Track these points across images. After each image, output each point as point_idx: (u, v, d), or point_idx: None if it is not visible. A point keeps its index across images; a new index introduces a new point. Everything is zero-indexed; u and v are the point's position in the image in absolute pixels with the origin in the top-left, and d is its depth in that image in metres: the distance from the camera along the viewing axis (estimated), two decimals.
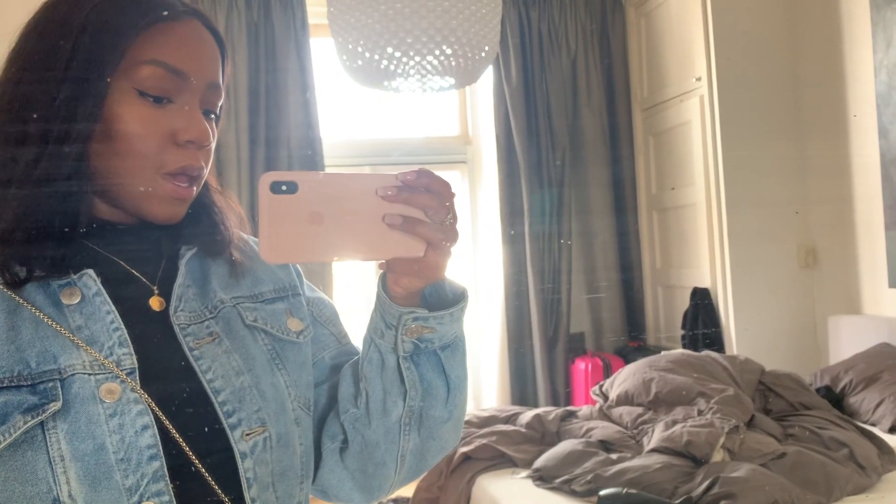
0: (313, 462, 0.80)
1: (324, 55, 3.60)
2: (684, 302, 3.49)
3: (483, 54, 2.06)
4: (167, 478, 0.65)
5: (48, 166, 0.67)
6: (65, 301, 0.68)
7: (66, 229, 0.68)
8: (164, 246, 0.77)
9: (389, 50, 2.02)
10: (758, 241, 3.27)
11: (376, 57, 2.03)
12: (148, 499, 0.64)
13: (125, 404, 0.66)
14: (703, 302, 3.35)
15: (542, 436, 2.42)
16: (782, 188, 3.30)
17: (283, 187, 0.64)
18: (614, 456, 2.15)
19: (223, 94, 0.77)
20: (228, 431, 0.70)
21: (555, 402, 3.70)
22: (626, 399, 2.51)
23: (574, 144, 3.84)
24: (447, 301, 0.76)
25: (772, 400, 2.53)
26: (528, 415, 2.53)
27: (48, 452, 0.63)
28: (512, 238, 3.77)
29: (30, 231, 0.67)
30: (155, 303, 0.73)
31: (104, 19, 0.68)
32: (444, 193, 0.68)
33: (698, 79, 3.32)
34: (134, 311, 0.71)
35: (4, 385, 0.63)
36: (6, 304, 0.67)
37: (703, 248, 3.41)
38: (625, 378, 2.62)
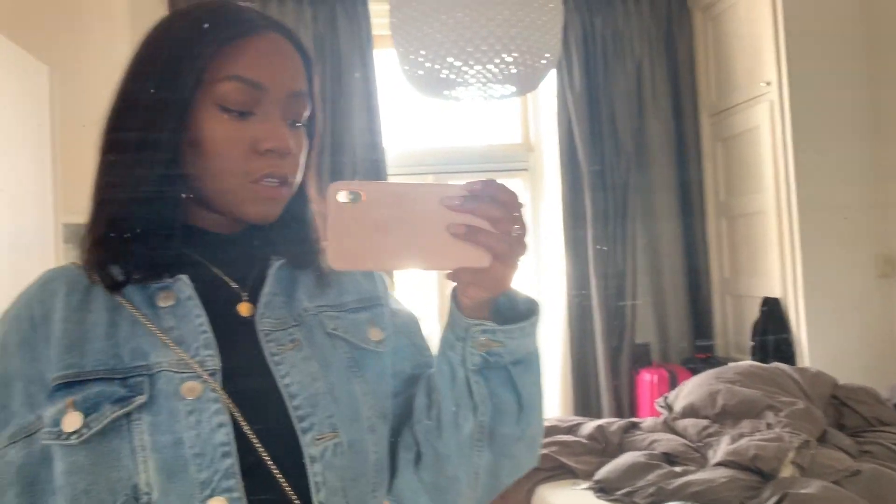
0: (388, 471, 0.81)
1: (387, 65, 3.64)
2: (754, 312, 3.39)
3: (543, 62, 2.06)
4: (238, 475, 0.68)
5: (144, 178, 0.73)
6: (160, 303, 0.74)
7: (164, 236, 0.74)
8: (257, 254, 0.81)
9: (450, 59, 2.03)
10: (831, 249, 3.15)
11: (437, 66, 2.05)
12: (219, 494, 0.67)
13: (204, 402, 0.70)
14: (773, 312, 3.25)
15: (605, 447, 2.38)
16: (857, 194, 3.18)
17: (350, 196, 0.65)
18: (678, 469, 2.10)
19: (309, 102, 0.79)
20: (300, 435, 0.72)
21: (619, 413, 3.64)
22: (691, 411, 2.46)
23: (639, 150, 3.79)
24: (520, 315, 0.75)
25: (846, 415, 2.44)
26: (590, 425, 2.50)
27: (131, 442, 0.68)
28: (575, 246, 3.74)
29: (130, 237, 0.73)
30: (244, 308, 0.77)
31: (186, 40, 0.73)
32: (510, 203, 0.67)
33: (768, 83, 3.23)
34: (223, 316, 0.76)
35: (100, 377, 0.69)
36: (109, 303, 0.73)
37: (774, 256, 3.30)
38: (690, 390, 2.56)
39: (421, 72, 2.13)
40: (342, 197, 0.65)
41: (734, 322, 3.72)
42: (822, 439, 2.20)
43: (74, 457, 0.67)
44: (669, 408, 2.64)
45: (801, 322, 3.14)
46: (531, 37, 2.01)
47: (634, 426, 2.50)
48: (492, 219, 0.66)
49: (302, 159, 0.80)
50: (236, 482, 0.68)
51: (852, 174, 3.17)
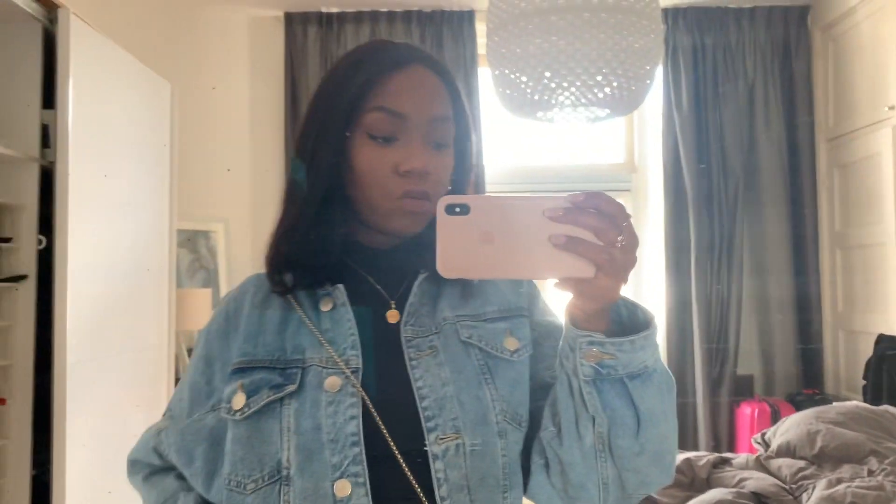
0: (521, 475, 0.84)
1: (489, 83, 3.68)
2: (868, 349, 3.18)
3: (638, 86, 2.03)
4: (364, 463, 0.77)
5: (313, 199, 0.85)
6: (322, 308, 0.86)
7: (327, 249, 0.86)
8: (407, 267, 0.89)
9: (543, 82, 2.04)
10: None
11: (529, 89, 2.07)
12: (346, 477, 0.77)
13: (342, 396, 0.80)
14: (889, 350, 3.04)
15: (692, 481, 2.31)
16: None
17: (458, 209, 0.69)
18: None
19: (453, 125, 0.87)
20: (425, 434, 0.79)
21: (716, 446, 3.51)
22: (787, 450, 2.34)
23: (749, 175, 3.65)
24: (638, 329, 0.75)
25: None
26: (679, 457, 2.43)
27: (280, 423, 0.80)
28: (677, 270, 3.64)
29: (299, 250, 0.86)
30: (391, 316, 0.87)
31: (343, 78, 0.85)
32: (615, 215, 0.68)
33: (891, 107, 3.05)
34: (373, 321, 0.86)
35: (265, 365, 0.83)
36: (284, 304, 0.87)
37: (892, 291, 3.10)
38: (788, 428, 2.44)
39: (515, 94, 2.15)
40: (451, 210, 0.69)
41: (846, 358, 3.51)
42: None
43: (237, 430, 0.81)
44: (766, 445, 2.52)
45: None
46: (627, 60, 1.99)
47: (725, 461, 2.40)
48: (595, 230, 0.68)
49: (446, 179, 0.87)
50: (362, 469, 0.77)
51: None
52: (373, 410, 0.79)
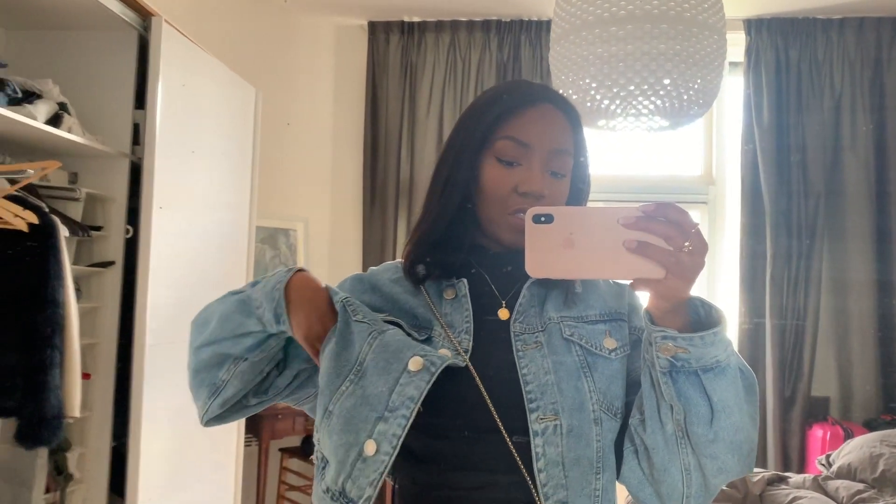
0: (614, 460, 0.95)
1: None
2: None
3: (700, 98, 2.03)
4: (446, 362, 0.89)
5: (447, 208, 1.00)
6: (445, 296, 1.00)
7: (455, 250, 1.01)
8: (520, 273, 0.98)
9: (603, 91, 2.07)
10: None
11: (590, 98, 2.10)
12: (423, 357, 0.89)
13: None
14: None
15: (744, 497, 2.27)
16: None
17: (542, 218, 0.80)
18: None
19: (570, 157, 1.01)
20: (528, 413, 0.90)
21: (785, 466, 3.40)
22: (847, 472, 2.28)
23: (831, 192, 3.53)
24: (712, 326, 0.84)
25: None
26: None
27: (403, 336, 0.94)
28: (752, 286, 3.56)
29: (435, 249, 1.01)
30: (502, 313, 0.99)
31: (482, 110, 1.01)
32: (683, 223, 0.77)
33: None
34: (487, 315, 0.99)
35: (402, 326, 0.97)
36: (413, 288, 1.02)
37: None
38: (851, 450, 2.38)
39: (577, 102, 2.19)
40: (537, 219, 0.80)
41: None
42: None
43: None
44: (829, 466, 2.46)
45: None
46: (688, 71, 2.00)
47: (781, 479, 2.36)
48: (664, 236, 0.77)
49: (559, 203, 1.00)
50: (440, 363, 0.89)
51: None
52: (480, 386, 0.91)
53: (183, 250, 2.44)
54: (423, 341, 0.96)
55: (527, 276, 0.97)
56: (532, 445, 0.89)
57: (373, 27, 3.75)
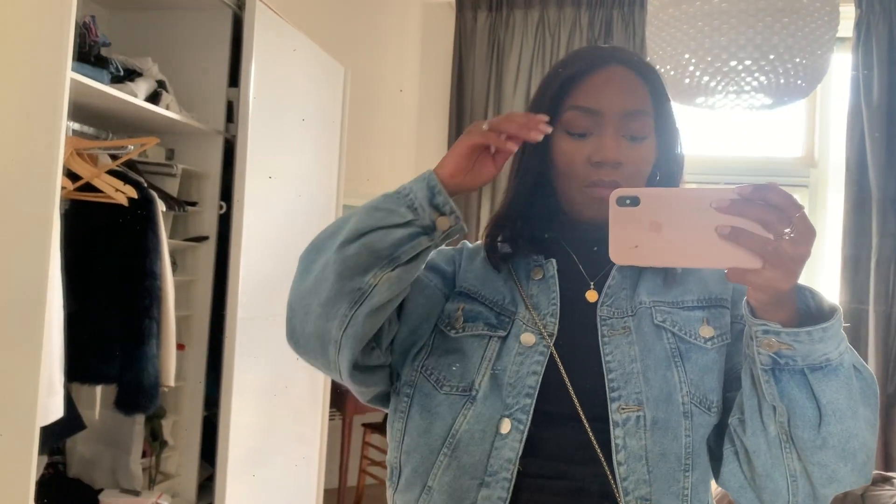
0: (707, 458, 0.88)
1: None
2: None
3: (807, 75, 1.91)
4: (530, 413, 0.86)
5: (524, 188, 0.97)
6: (532, 276, 0.96)
7: (541, 230, 0.98)
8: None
9: (703, 66, 1.98)
10: None
11: (688, 74, 2.01)
12: (510, 418, 0.87)
13: (532, 352, 0.89)
14: None
15: (845, 497, 2.16)
16: None
17: (628, 201, 0.74)
18: None
19: (651, 118, 0.93)
20: (609, 402, 0.86)
21: (887, 466, 3.23)
22: None
23: None
24: (823, 320, 0.75)
25: None
26: None
27: (484, 353, 0.91)
28: (855, 274, 3.38)
29: (516, 229, 0.98)
30: (591, 295, 0.94)
31: (549, 82, 0.96)
32: (785, 206, 0.69)
33: None
34: (574, 296, 0.94)
35: (485, 303, 0.95)
36: (505, 267, 0.98)
37: None
38: None
39: (675, 78, 2.10)
40: (622, 201, 0.74)
41: None
42: None
43: (447, 341, 0.93)
44: None
45: None
46: (795, 46, 1.88)
47: (886, 480, 2.23)
48: (762, 221, 0.69)
49: (642, 169, 0.93)
50: (526, 417, 0.86)
51: None
52: (562, 371, 0.87)
53: (273, 226, 2.48)
54: (506, 325, 0.92)
55: None
56: (612, 436, 0.84)
57: (461, 4, 3.71)
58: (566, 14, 3.61)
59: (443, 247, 0.98)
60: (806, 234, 0.69)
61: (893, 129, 3.33)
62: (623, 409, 0.85)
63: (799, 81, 1.93)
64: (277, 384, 2.55)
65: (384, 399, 0.99)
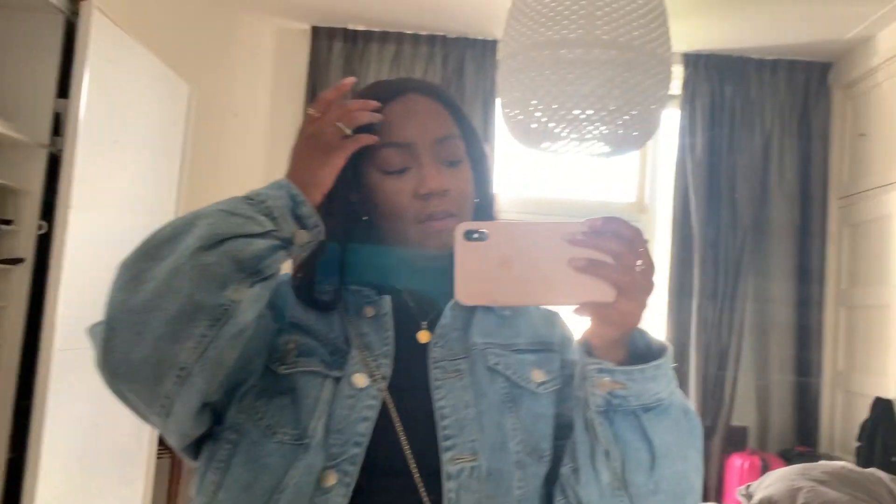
0: None
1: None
2: (864, 411, 3.14)
3: (643, 126, 2.04)
4: (359, 465, 0.78)
5: (345, 228, 0.88)
6: (364, 314, 0.88)
7: (371, 265, 0.89)
8: (442, 289, 0.88)
9: (549, 113, 2.06)
10: None
11: (535, 120, 2.08)
12: (335, 470, 0.77)
13: (363, 395, 0.81)
14: (884, 414, 3.00)
15: None
16: None
17: (475, 235, 0.69)
18: None
19: (461, 141, 0.90)
20: (441, 452, 0.79)
21: (703, 496, 3.45)
22: None
23: (758, 227, 3.63)
24: (651, 359, 0.74)
25: None
26: None
27: (319, 393, 0.81)
28: (678, 315, 3.61)
29: (346, 265, 0.88)
30: (422, 336, 0.88)
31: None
32: (634, 239, 0.69)
33: None
34: (407, 337, 0.87)
35: (319, 338, 0.85)
36: (334, 305, 0.88)
37: (892, 354, 3.06)
38: (772, 482, 2.41)
39: (522, 123, 2.17)
40: (469, 235, 0.69)
41: (842, 419, 3.46)
42: None
43: (277, 380, 0.82)
44: (750, 497, 2.48)
45: None
46: (633, 99, 2.01)
47: None
48: (615, 254, 0.68)
49: (467, 192, 0.90)
50: (354, 469, 0.77)
51: None
52: (395, 420, 0.80)
53: (101, 250, 2.29)
54: (340, 364, 0.83)
55: (450, 292, 0.86)
56: (444, 490, 0.78)
57: (316, 32, 3.67)
58: (421, 51, 3.66)
59: None
60: (651, 266, 0.71)
61: (713, 182, 3.61)
62: (457, 459, 0.79)
63: (635, 133, 2.05)
64: (100, 423, 2.34)
65: (195, 446, 0.86)
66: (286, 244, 0.76)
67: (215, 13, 3.60)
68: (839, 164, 3.61)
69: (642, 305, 0.70)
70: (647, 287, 0.70)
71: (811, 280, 3.59)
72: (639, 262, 0.69)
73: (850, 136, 3.55)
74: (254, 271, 0.73)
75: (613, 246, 0.68)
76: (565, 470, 0.82)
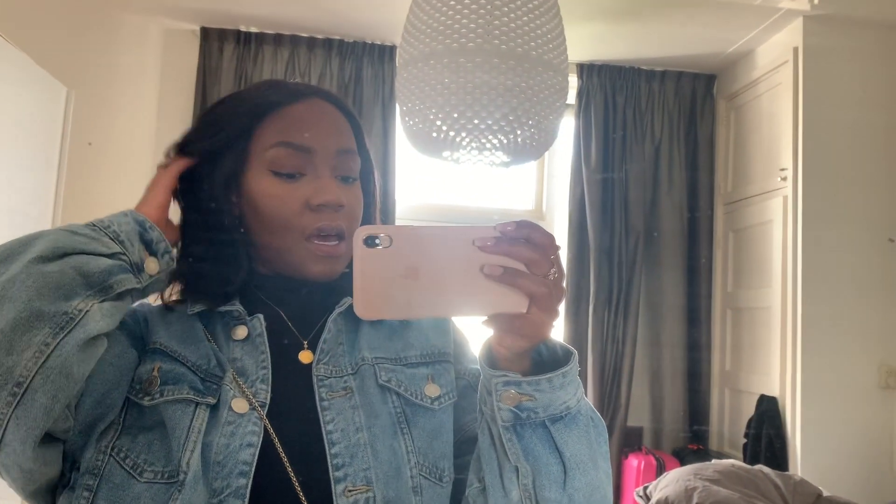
0: None
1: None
2: (750, 408, 3.29)
3: (542, 137, 2.05)
4: (246, 497, 0.70)
5: (217, 235, 0.81)
6: (233, 336, 0.80)
7: (234, 282, 0.81)
8: (326, 302, 0.83)
9: (449, 122, 2.04)
10: (834, 353, 3.06)
11: (435, 129, 2.06)
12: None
13: (244, 420, 0.74)
14: (768, 411, 3.15)
15: None
16: (866, 302, 3.09)
17: (377, 241, 0.62)
18: None
19: (359, 158, 0.85)
20: (332, 484, 0.73)
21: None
22: None
23: (649, 232, 3.75)
24: (558, 367, 0.70)
25: None
26: None
27: (191, 422, 0.73)
28: (575, 319, 3.69)
29: (209, 280, 0.81)
30: (304, 356, 0.81)
31: (233, 114, 0.82)
32: (547, 246, 0.64)
33: (783, 178, 3.20)
34: (286, 358, 0.80)
35: (188, 365, 0.77)
36: (197, 327, 0.81)
37: (775, 354, 3.22)
38: (668, 483, 2.48)
39: (422, 132, 2.14)
40: (370, 242, 0.62)
41: (730, 416, 3.62)
42: None
43: (141, 413, 0.74)
44: (647, 498, 2.54)
45: (797, 424, 3.04)
46: (532, 109, 2.01)
47: None
48: (527, 261, 0.63)
49: (359, 213, 0.85)
50: (242, 502, 0.70)
51: (863, 281, 3.10)
52: (281, 452, 0.73)
53: None
54: (214, 392, 0.76)
55: (332, 306, 0.83)
56: None
57: (206, 33, 3.53)
58: (317, 55, 3.59)
59: None
60: (562, 274, 0.67)
61: (607, 189, 3.71)
62: (350, 490, 0.73)
63: (535, 142, 2.06)
64: None
65: (48, 494, 0.75)
66: (135, 269, 0.71)
67: (98, 13, 3.40)
68: (724, 172, 3.77)
69: (554, 315, 0.66)
70: (560, 296, 0.66)
71: (700, 283, 3.74)
72: (552, 270, 0.65)
73: (733, 145, 3.72)
74: (102, 287, 0.67)
75: (526, 253, 0.63)
76: (472, 491, 0.76)
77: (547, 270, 0.64)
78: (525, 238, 0.64)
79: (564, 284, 0.67)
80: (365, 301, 0.62)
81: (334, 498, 0.72)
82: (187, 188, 0.84)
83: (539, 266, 0.64)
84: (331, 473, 0.73)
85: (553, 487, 0.69)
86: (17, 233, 1.99)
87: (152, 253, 0.73)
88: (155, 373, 0.75)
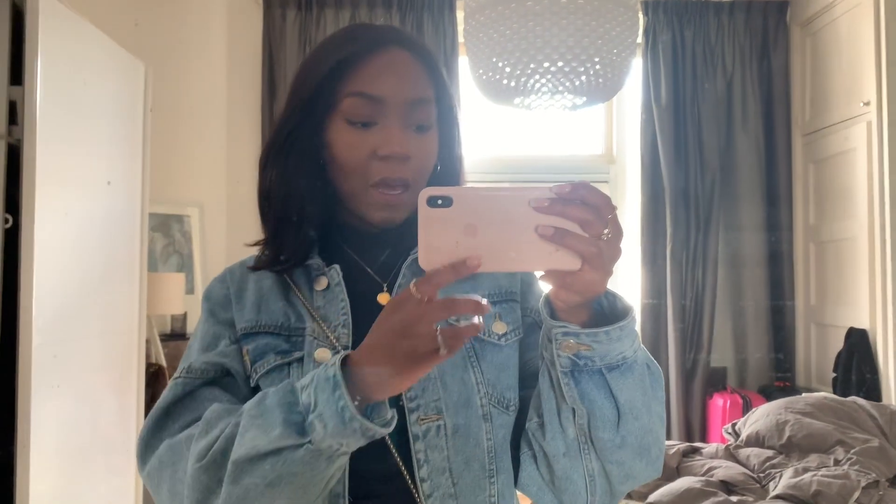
0: (510, 460, 0.84)
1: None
2: (838, 342, 3.22)
3: (615, 74, 2.03)
4: None
5: (297, 186, 0.86)
6: (315, 287, 0.87)
7: (316, 232, 0.88)
8: (400, 248, 0.90)
9: (520, 67, 2.03)
10: None
11: (506, 75, 2.06)
12: None
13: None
14: (858, 344, 3.08)
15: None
16: None
17: (440, 201, 0.67)
18: (734, 499, 2.02)
19: (434, 107, 0.87)
20: (407, 414, 0.80)
21: (689, 437, 3.53)
22: (756, 440, 2.36)
23: (725, 169, 3.67)
24: (616, 320, 0.73)
25: None
26: None
27: (289, 378, 0.80)
28: (652, 262, 3.66)
29: (293, 233, 0.87)
30: (383, 298, 0.87)
31: (317, 66, 0.86)
32: (601, 207, 0.66)
33: (866, 103, 3.08)
34: (365, 302, 0.86)
35: (269, 331, 0.85)
36: (282, 281, 0.89)
37: (863, 285, 3.14)
38: (758, 418, 2.46)
39: (492, 79, 2.14)
40: (433, 202, 0.67)
41: (817, 351, 3.55)
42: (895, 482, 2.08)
43: (247, 391, 0.84)
44: (736, 435, 2.54)
45: (890, 356, 2.97)
46: (604, 47, 1.99)
47: (695, 451, 2.42)
48: (581, 221, 0.66)
49: (428, 163, 0.87)
50: None
51: None
52: None
53: (69, 239, 2.23)
54: (300, 345, 0.83)
55: (406, 252, 0.89)
56: (412, 451, 0.79)
57: (268, 2, 3.58)
58: (377, 14, 3.59)
59: (214, 285, 0.93)
60: (619, 234, 0.68)
61: (679, 128, 3.64)
62: (422, 419, 0.80)
63: (606, 82, 2.04)
64: (86, 417, 2.30)
65: None
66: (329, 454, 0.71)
67: None
68: (801, 102, 3.64)
69: (608, 274, 0.68)
70: (614, 256, 0.68)
71: (780, 218, 3.65)
72: (606, 231, 0.66)
73: (810, 73, 3.58)
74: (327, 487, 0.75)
75: (580, 214, 0.66)
76: (531, 425, 0.82)
77: (600, 231, 0.66)
78: (580, 199, 0.66)
79: (621, 245, 0.69)
80: (428, 257, 0.67)
81: (408, 426, 0.80)
82: (284, 141, 0.88)
83: (592, 227, 0.66)
84: (405, 405, 0.80)
85: (607, 429, 0.75)
86: (115, 202, 2.08)
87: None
88: (245, 357, 0.85)
